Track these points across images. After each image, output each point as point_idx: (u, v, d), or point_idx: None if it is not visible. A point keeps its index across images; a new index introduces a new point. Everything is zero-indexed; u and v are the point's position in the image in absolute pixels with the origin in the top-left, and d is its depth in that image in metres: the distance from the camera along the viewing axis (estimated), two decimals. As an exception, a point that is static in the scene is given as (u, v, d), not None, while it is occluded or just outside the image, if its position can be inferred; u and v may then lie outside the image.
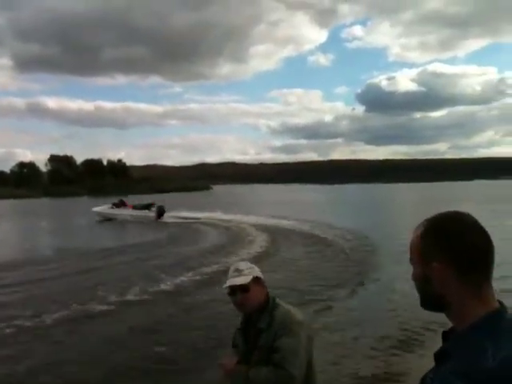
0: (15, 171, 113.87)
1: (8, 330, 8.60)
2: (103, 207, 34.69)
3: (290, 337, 2.40)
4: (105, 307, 10.08)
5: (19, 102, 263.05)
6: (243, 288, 2.51)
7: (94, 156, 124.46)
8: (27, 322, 9.04)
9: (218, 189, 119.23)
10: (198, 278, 12.84)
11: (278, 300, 2.60)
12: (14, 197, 79.23)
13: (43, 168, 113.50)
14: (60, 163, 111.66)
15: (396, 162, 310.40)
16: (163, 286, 11.92)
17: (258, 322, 2.53)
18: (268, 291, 2.62)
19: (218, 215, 30.59)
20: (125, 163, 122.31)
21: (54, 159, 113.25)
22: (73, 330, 8.75)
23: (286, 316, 2.48)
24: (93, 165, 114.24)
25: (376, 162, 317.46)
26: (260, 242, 19.22)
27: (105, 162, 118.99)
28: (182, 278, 12.74)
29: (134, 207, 32.89)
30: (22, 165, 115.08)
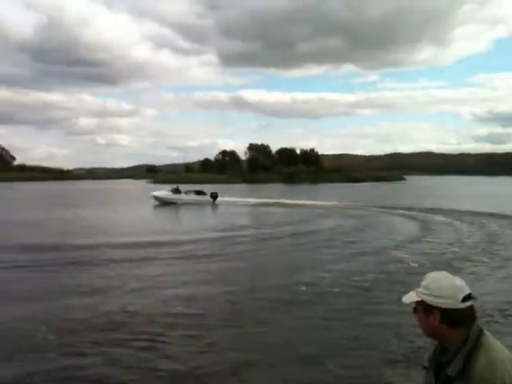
0: (218, 159, 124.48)
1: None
2: (164, 192, 37.71)
3: None
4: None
5: (223, 96, 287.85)
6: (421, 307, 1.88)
7: (288, 145, 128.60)
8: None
9: (412, 180, 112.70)
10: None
11: (485, 337, 1.80)
12: (217, 182, 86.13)
13: (242, 156, 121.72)
14: (257, 152, 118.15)
15: None
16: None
17: (447, 363, 1.84)
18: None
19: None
20: (317, 152, 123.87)
21: (252, 148, 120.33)
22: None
23: (489, 371, 1.70)
24: (287, 153, 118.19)
25: None
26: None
27: (298, 151, 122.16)
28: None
29: (186, 193, 37.65)
30: (224, 153, 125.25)
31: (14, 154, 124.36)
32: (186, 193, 37.44)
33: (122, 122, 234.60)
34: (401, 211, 27.95)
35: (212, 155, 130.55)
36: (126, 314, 8.38)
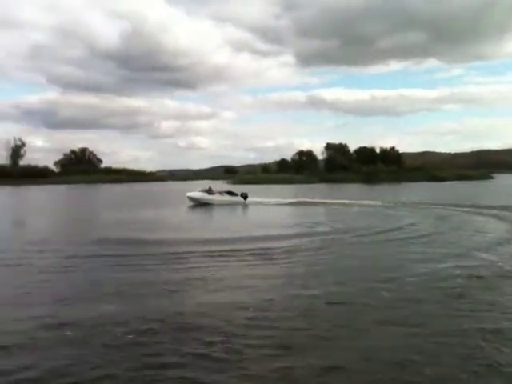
0: (295, 159, 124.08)
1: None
2: (198, 193, 36.83)
3: None
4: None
5: (300, 96, 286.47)
6: None
7: (367, 144, 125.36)
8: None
9: (502, 178, 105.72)
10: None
11: None
12: (294, 182, 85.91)
13: (320, 156, 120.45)
14: (335, 151, 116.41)
15: None
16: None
17: None
18: None
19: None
20: (397, 151, 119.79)
21: (329, 147, 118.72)
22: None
23: None
24: (365, 152, 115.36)
25: None
26: None
27: (377, 150, 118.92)
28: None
29: (221, 194, 37.35)
30: (301, 153, 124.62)
31: (101, 158, 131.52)
32: (220, 193, 37.57)
33: (201, 124, 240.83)
34: (490, 211, 26.09)
35: (289, 155, 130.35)
36: (201, 314, 8.29)
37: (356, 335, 7.20)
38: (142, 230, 20.17)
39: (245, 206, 35.45)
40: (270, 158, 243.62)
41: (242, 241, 16.84)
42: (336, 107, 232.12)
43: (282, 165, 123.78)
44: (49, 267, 12.64)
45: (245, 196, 36.97)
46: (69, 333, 7.35)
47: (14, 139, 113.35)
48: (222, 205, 35.00)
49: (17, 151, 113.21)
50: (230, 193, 38.13)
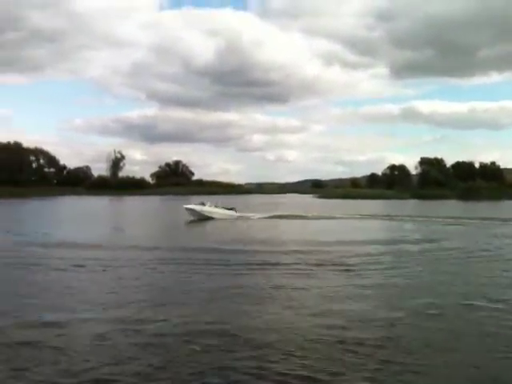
0: (386, 173, 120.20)
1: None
2: (199, 206, 34.31)
3: None
4: None
5: (393, 108, 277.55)
6: None
7: (465, 159, 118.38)
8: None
9: None
10: None
11: None
12: (385, 197, 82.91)
13: (413, 171, 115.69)
14: (430, 166, 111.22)
15: None
16: None
17: None
18: None
19: None
20: (498, 166, 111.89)
21: (424, 162, 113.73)
22: None
23: None
24: (463, 167, 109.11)
25: None
26: None
27: (476, 165, 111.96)
28: None
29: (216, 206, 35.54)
30: (393, 167, 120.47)
31: (193, 170, 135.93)
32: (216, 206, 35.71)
33: (291, 138, 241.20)
34: None
35: (379, 170, 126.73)
36: (277, 330, 7.70)
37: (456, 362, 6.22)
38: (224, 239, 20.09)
39: (237, 219, 33.77)
40: (360, 172, 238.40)
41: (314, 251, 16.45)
42: (432, 120, 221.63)
43: (373, 179, 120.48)
44: (143, 270, 12.83)
45: (233, 210, 35.73)
46: (142, 336, 7.10)
47: (115, 152, 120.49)
48: (221, 218, 33.26)
49: (117, 163, 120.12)
50: (225, 208, 36.10)
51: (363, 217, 35.92)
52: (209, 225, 29.54)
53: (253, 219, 34.08)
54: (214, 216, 33.68)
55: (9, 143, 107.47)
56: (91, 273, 12.73)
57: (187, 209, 34.05)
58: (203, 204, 34.61)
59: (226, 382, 5.63)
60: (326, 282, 11.48)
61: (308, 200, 79.98)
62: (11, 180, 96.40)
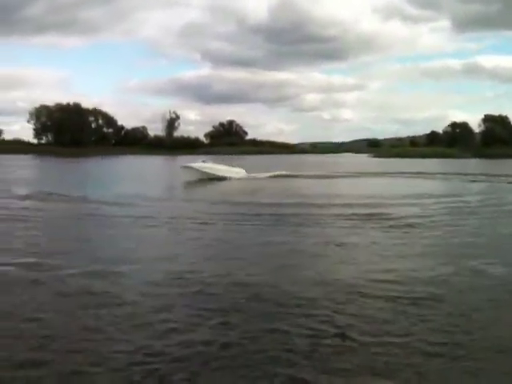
0: (447, 132, 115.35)
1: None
2: (198, 164, 30.54)
3: None
4: None
5: (455, 63, 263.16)
6: None
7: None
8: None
9: None
10: None
11: None
12: (445, 156, 79.80)
13: (476, 129, 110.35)
14: (494, 123, 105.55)
15: None
16: None
17: None
18: None
19: None
20: None
21: (487, 119, 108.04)
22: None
23: None
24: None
25: None
26: None
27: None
28: None
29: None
30: (454, 125, 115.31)
31: (247, 130, 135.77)
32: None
33: (347, 96, 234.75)
34: None
35: (440, 128, 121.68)
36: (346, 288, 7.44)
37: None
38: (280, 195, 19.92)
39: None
40: (419, 130, 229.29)
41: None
42: (495, 76, 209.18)
43: (433, 138, 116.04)
44: (198, 226, 12.89)
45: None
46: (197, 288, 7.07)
47: (170, 113, 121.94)
48: (223, 176, 30.28)
49: (172, 124, 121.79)
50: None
51: (419, 175, 34.43)
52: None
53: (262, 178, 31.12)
54: (217, 174, 30.27)
55: (68, 104, 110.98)
56: (152, 227, 12.93)
57: (185, 167, 30.34)
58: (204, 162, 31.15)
59: (273, 329, 5.48)
60: (380, 239, 11.07)
61: (362, 159, 78.25)
62: (73, 140, 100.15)
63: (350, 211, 15.25)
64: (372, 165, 54.60)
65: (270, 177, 32.30)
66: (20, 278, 7.61)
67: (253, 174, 32.31)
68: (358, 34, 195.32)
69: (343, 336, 5.33)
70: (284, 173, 34.07)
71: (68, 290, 6.98)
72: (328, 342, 5.21)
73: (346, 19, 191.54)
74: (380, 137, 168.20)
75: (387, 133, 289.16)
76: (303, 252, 9.76)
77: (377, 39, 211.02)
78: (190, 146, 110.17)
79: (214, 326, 5.67)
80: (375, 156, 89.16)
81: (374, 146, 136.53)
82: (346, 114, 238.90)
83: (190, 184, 28.00)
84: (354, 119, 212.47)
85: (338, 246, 10.24)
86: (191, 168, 30.20)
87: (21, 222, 13.10)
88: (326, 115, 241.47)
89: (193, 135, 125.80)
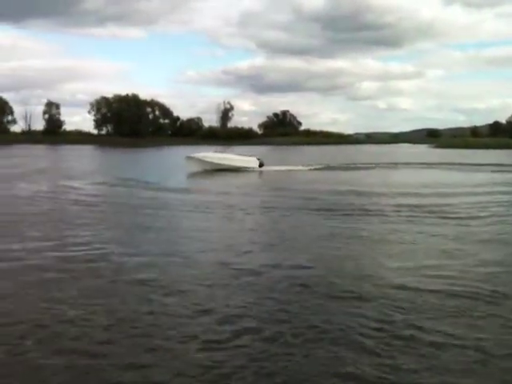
0: (511, 121, 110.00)
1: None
2: (201, 154, 28.27)
3: None
4: None
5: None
6: None
7: None
8: None
9: None
10: None
11: None
12: (509, 147, 76.00)
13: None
14: None
15: None
16: None
17: None
18: None
19: None
20: None
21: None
22: None
23: None
24: None
25: None
26: None
27: None
28: None
29: None
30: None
31: (301, 120, 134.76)
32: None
33: (404, 84, 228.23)
34: None
35: (503, 118, 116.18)
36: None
37: None
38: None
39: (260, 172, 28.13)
40: (481, 120, 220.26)
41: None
42: None
43: (496, 128, 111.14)
44: (259, 214, 12.90)
45: (261, 162, 29.23)
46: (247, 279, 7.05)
47: (224, 103, 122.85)
48: (231, 168, 27.90)
49: (226, 114, 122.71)
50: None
51: (478, 168, 32.66)
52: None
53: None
54: (224, 163, 28.01)
55: (127, 95, 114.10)
56: (209, 215, 13.14)
57: (190, 158, 28.43)
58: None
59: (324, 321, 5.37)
60: (433, 232, 10.68)
61: (421, 149, 75.85)
62: (132, 131, 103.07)
63: (404, 202, 14.89)
64: (433, 156, 52.80)
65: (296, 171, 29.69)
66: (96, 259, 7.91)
67: (275, 167, 29.70)
68: (415, 20, 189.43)
69: (409, 335, 5.15)
70: (317, 166, 31.74)
71: (126, 278, 7.18)
72: (393, 339, 5.06)
73: (403, 5, 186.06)
74: (440, 127, 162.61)
75: (447, 122, 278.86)
76: (360, 243, 9.57)
77: (436, 25, 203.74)
78: (244, 137, 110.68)
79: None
80: (435, 146, 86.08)
81: (433, 136, 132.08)
82: (404, 102, 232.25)
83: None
84: (411, 108, 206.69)
85: (394, 238, 9.99)
86: (196, 159, 28.14)
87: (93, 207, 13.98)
88: (381, 104, 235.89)
89: (246, 125, 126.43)
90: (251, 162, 28.77)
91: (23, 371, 4.36)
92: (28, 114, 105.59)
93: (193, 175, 26.41)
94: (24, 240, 9.44)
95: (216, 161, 27.91)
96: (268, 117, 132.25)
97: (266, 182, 24.30)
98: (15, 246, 8.88)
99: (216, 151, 29.38)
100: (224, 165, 27.82)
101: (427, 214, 12.83)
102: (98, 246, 9.03)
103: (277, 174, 27.55)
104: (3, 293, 6.37)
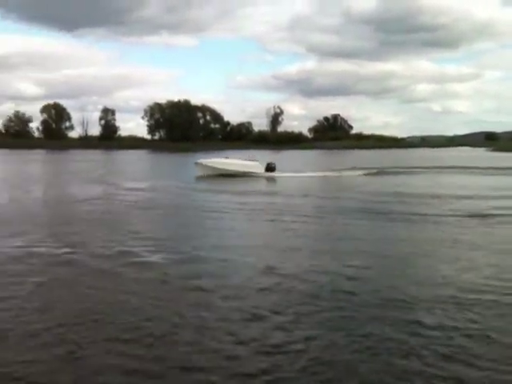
0: None
1: None
2: (208, 159, 29.14)
3: None
4: None
5: None
6: None
7: None
8: None
9: None
10: None
11: None
12: None
13: None
14: None
15: None
16: None
17: None
18: None
19: None
20: None
21: None
22: None
23: None
24: None
25: None
26: None
27: None
28: None
29: None
30: None
31: (352, 124, 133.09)
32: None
33: (461, 87, 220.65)
34: None
35: None
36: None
37: None
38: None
39: (269, 179, 27.65)
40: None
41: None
42: None
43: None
44: (300, 218, 12.89)
45: (272, 167, 29.10)
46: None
47: (274, 107, 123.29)
48: (238, 174, 27.74)
49: (276, 118, 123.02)
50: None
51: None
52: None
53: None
54: (230, 168, 28.21)
55: (179, 101, 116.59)
56: (255, 216, 13.24)
57: (197, 164, 28.92)
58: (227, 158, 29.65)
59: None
60: (483, 236, 10.45)
61: (476, 153, 73.03)
62: (183, 136, 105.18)
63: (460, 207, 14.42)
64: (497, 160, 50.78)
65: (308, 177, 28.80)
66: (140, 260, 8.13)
67: (287, 174, 29.05)
68: (471, 20, 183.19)
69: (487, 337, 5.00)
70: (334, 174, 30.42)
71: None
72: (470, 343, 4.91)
73: (458, 6, 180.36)
74: (499, 130, 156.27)
75: (507, 125, 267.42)
76: (417, 250, 9.33)
77: (493, 26, 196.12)
78: (294, 141, 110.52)
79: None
80: (493, 150, 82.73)
81: (491, 140, 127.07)
82: (460, 105, 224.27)
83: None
84: (468, 111, 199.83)
85: (450, 243, 9.71)
86: (203, 165, 28.68)
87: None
88: (436, 107, 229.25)
89: (296, 130, 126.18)
90: (255, 167, 28.98)
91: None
92: (85, 120, 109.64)
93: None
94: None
95: (221, 166, 28.47)
96: (318, 121, 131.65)
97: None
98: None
99: (227, 157, 30.24)
100: (229, 170, 28.27)
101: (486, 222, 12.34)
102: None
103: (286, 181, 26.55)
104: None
